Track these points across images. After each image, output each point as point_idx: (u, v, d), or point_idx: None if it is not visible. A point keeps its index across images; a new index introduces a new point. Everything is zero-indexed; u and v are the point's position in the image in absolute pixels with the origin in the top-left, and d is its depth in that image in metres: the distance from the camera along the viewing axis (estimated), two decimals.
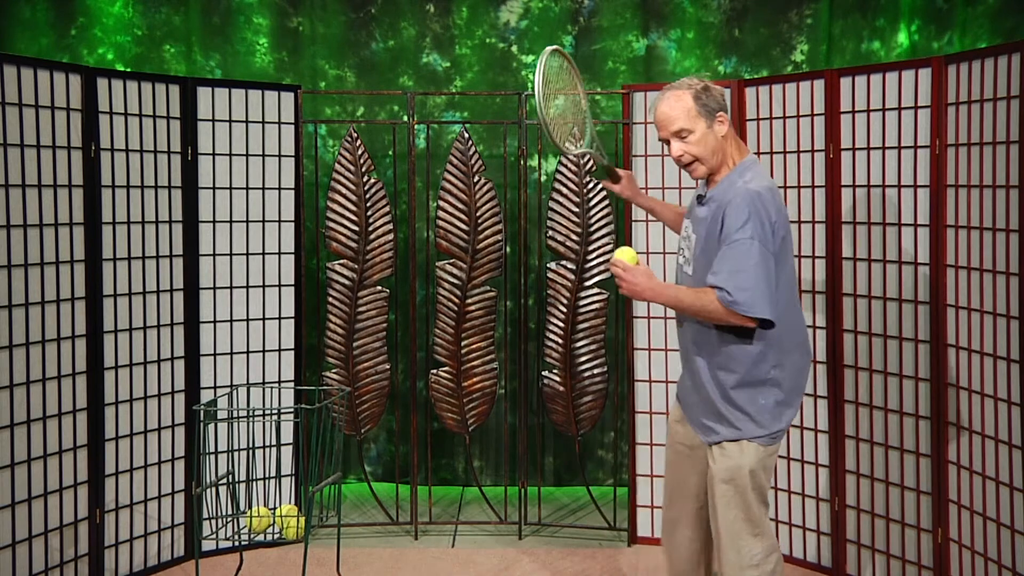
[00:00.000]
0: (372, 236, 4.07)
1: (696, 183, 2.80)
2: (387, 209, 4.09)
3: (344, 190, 4.06)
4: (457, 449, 4.78)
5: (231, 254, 3.89)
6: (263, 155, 3.93)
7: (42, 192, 3.28)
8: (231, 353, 3.90)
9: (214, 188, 3.84)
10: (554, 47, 2.89)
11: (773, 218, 2.52)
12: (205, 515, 3.49)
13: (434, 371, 4.16)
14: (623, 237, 4.02)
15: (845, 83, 3.49)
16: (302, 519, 3.21)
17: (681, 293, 2.57)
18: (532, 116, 4.54)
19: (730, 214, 2.51)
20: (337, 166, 4.07)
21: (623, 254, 2.61)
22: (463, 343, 4.12)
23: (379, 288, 4.11)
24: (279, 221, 3.97)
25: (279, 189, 3.96)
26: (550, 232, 4.07)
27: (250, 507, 3.38)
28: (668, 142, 2.64)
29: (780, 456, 3.72)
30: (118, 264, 3.54)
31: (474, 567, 3.79)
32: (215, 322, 3.87)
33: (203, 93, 3.80)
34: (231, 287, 3.90)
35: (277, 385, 3.90)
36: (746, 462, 2.61)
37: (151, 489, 3.68)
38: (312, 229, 4.37)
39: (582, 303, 4.06)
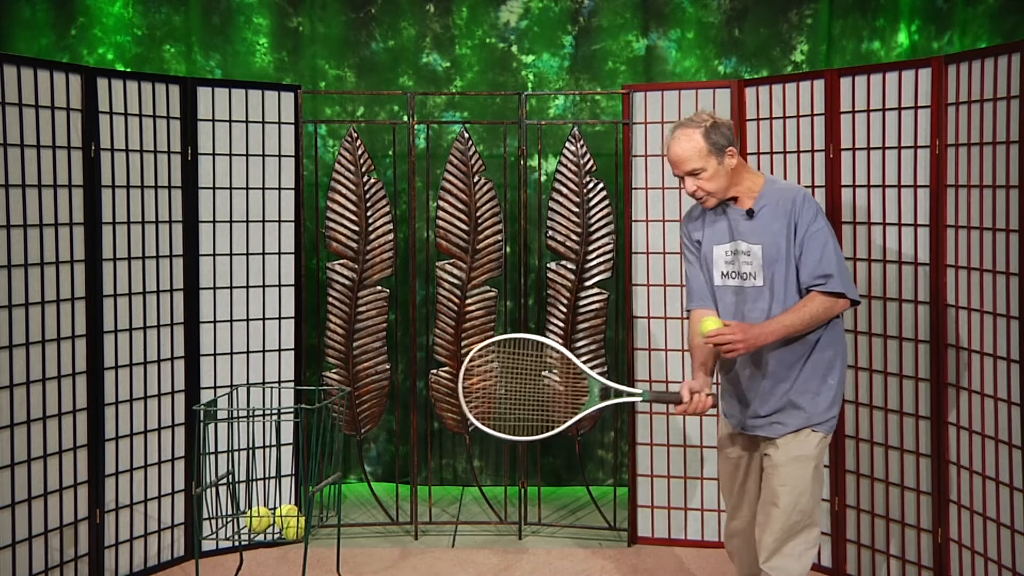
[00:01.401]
0: (372, 236, 4.07)
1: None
2: (387, 209, 4.09)
3: (344, 190, 4.06)
4: (457, 449, 4.78)
5: (231, 254, 3.89)
6: (263, 155, 3.93)
7: (42, 192, 3.28)
8: (231, 353, 3.90)
9: (214, 188, 3.84)
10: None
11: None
12: (205, 515, 3.49)
13: (434, 371, 4.16)
14: (623, 237, 4.02)
15: (845, 83, 3.49)
16: (302, 519, 3.22)
17: (784, 319, 2.68)
18: (532, 116, 4.54)
19: (800, 211, 2.69)
20: (337, 166, 4.07)
21: (713, 324, 2.69)
22: (463, 343, 4.12)
23: (379, 288, 4.11)
24: (279, 221, 3.97)
25: (279, 189, 3.96)
26: (550, 232, 4.07)
27: (250, 507, 3.38)
28: (682, 178, 2.78)
29: None
30: (118, 264, 3.54)
31: (474, 567, 3.79)
32: (215, 322, 3.87)
33: (203, 93, 3.80)
34: (231, 287, 3.90)
35: (277, 385, 3.90)
36: (810, 452, 2.75)
37: (151, 489, 3.68)
38: (312, 229, 4.37)
39: (582, 303, 4.06)
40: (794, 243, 2.70)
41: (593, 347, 4.07)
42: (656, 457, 3.97)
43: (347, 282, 4.08)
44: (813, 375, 2.76)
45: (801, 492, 2.73)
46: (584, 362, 4.08)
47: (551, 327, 4.10)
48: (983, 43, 4.19)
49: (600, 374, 4.08)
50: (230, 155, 3.87)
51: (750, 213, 2.77)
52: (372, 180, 4.07)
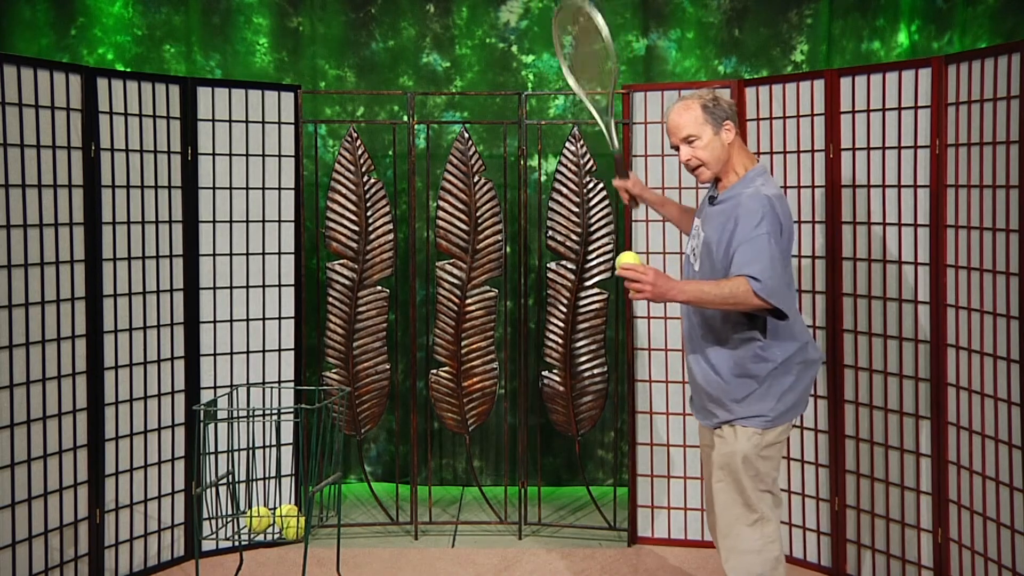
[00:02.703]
0: (372, 236, 4.07)
1: (697, 185, 2.88)
2: (387, 209, 4.09)
3: (344, 190, 4.06)
4: (457, 449, 4.78)
5: (231, 254, 3.89)
6: (263, 155, 3.93)
7: (42, 192, 3.28)
8: (231, 353, 3.90)
9: (214, 188, 3.84)
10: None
11: (781, 221, 2.66)
12: (205, 515, 3.49)
13: (434, 371, 4.16)
14: (623, 237, 4.02)
15: (845, 83, 3.49)
16: (302, 519, 3.22)
17: (703, 285, 2.62)
18: (532, 116, 4.54)
19: (743, 215, 2.62)
20: (337, 166, 4.07)
21: (629, 258, 2.59)
22: (463, 343, 4.12)
23: (379, 288, 4.11)
24: (279, 221, 3.97)
25: (279, 189, 3.96)
26: (550, 232, 4.07)
27: (250, 507, 3.38)
28: (678, 148, 2.78)
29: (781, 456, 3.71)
30: (118, 264, 3.54)
31: (474, 567, 3.79)
32: (215, 322, 3.87)
33: (203, 93, 3.80)
34: (231, 287, 3.90)
35: (277, 385, 3.90)
36: (739, 447, 2.71)
37: (151, 489, 3.68)
38: (312, 229, 4.37)
39: (582, 303, 4.06)
40: (731, 240, 2.63)
41: (593, 347, 4.07)
42: (656, 457, 3.97)
43: (347, 282, 4.08)
44: (741, 382, 2.71)
45: (735, 488, 2.72)
46: (584, 362, 4.08)
47: (551, 327, 4.10)
48: (983, 43, 4.19)
49: (600, 374, 4.08)
50: (230, 155, 3.87)
51: (712, 200, 2.79)
52: (372, 180, 4.07)
